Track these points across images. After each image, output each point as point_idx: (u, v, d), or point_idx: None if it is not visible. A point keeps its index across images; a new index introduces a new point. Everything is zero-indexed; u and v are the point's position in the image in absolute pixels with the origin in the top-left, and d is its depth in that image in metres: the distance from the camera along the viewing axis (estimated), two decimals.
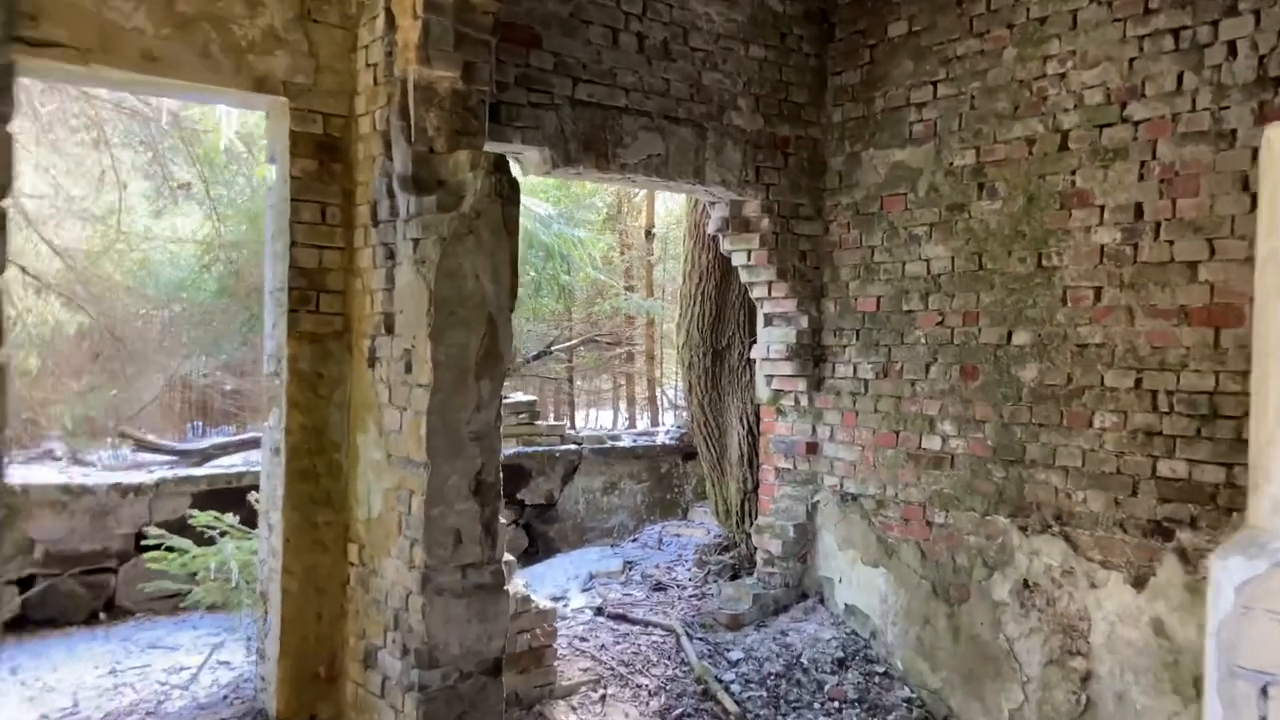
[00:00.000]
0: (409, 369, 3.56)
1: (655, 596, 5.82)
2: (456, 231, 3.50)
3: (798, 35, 5.27)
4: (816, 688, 4.69)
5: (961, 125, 4.70)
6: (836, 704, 4.58)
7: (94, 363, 8.15)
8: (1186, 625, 3.78)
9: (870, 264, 5.14)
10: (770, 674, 4.74)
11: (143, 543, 4.89)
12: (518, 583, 4.40)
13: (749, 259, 5.35)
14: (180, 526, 4.89)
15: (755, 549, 5.59)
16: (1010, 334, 4.47)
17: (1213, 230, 3.77)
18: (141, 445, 6.91)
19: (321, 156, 3.88)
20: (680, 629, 5.10)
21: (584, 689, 4.52)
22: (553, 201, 9.15)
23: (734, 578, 5.89)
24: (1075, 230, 4.23)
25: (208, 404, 11.15)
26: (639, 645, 5.01)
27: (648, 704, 4.46)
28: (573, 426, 10.69)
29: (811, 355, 5.36)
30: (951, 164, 4.73)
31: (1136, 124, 4.02)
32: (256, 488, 4.22)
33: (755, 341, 5.67)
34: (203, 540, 4.71)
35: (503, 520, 3.71)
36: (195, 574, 4.47)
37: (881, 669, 4.89)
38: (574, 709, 4.37)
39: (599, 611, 5.49)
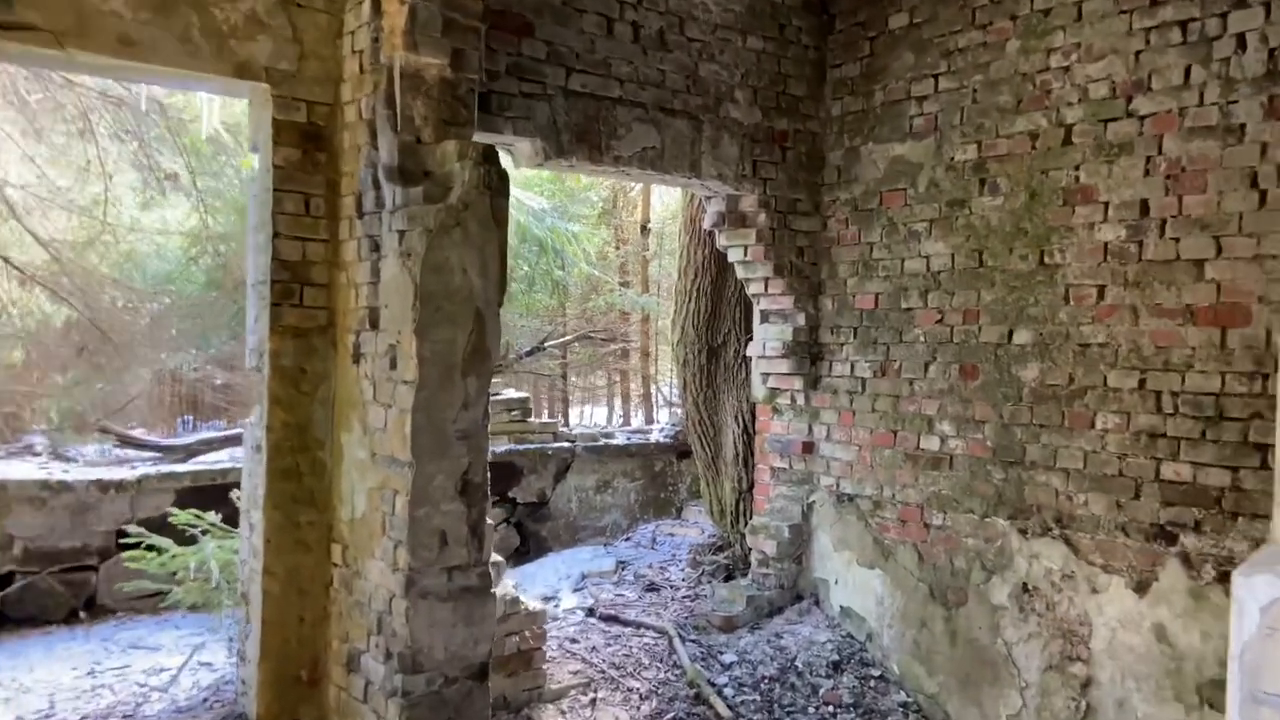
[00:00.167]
0: (394, 365, 3.46)
1: (648, 597, 5.73)
2: (443, 224, 3.39)
3: (796, 26, 5.17)
4: (811, 692, 4.60)
5: (963, 119, 4.60)
6: (831, 708, 4.49)
7: (79, 356, 8.02)
8: (1190, 632, 3.70)
9: (869, 261, 5.04)
10: (764, 677, 4.65)
11: (121, 541, 4.77)
12: (507, 584, 4.31)
13: (745, 255, 5.25)
14: (163, 524, 4.78)
15: (750, 549, 5.50)
16: (1011, 333, 4.37)
17: (1220, 228, 3.68)
18: (124, 440, 6.79)
19: (305, 146, 3.77)
20: (673, 631, 5.01)
21: (574, 692, 4.42)
22: (547, 195, 9.04)
23: (728, 578, 5.80)
24: (1078, 227, 4.13)
25: (198, 398, 11.03)
26: (631, 647, 4.92)
27: (639, 708, 4.37)
28: (566, 424, 10.60)
29: (808, 353, 5.26)
30: (952, 159, 4.64)
31: (1142, 118, 3.93)
32: (240, 485, 4.12)
33: (751, 339, 5.57)
34: (184, 539, 4.60)
35: (490, 521, 3.61)
36: (175, 574, 4.36)
37: (877, 673, 4.80)
38: (563, 713, 4.28)
39: (590, 612, 5.40)
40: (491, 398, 7.13)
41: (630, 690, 4.49)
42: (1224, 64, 3.67)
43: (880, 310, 4.97)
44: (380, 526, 3.51)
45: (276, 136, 3.72)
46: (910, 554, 4.76)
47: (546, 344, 10.66)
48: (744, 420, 5.99)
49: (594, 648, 4.89)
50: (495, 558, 4.05)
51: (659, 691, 4.49)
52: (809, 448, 5.31)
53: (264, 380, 3.75)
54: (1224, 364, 3.65)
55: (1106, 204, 4.04)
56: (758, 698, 4.50)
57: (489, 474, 3.62)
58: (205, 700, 4.18)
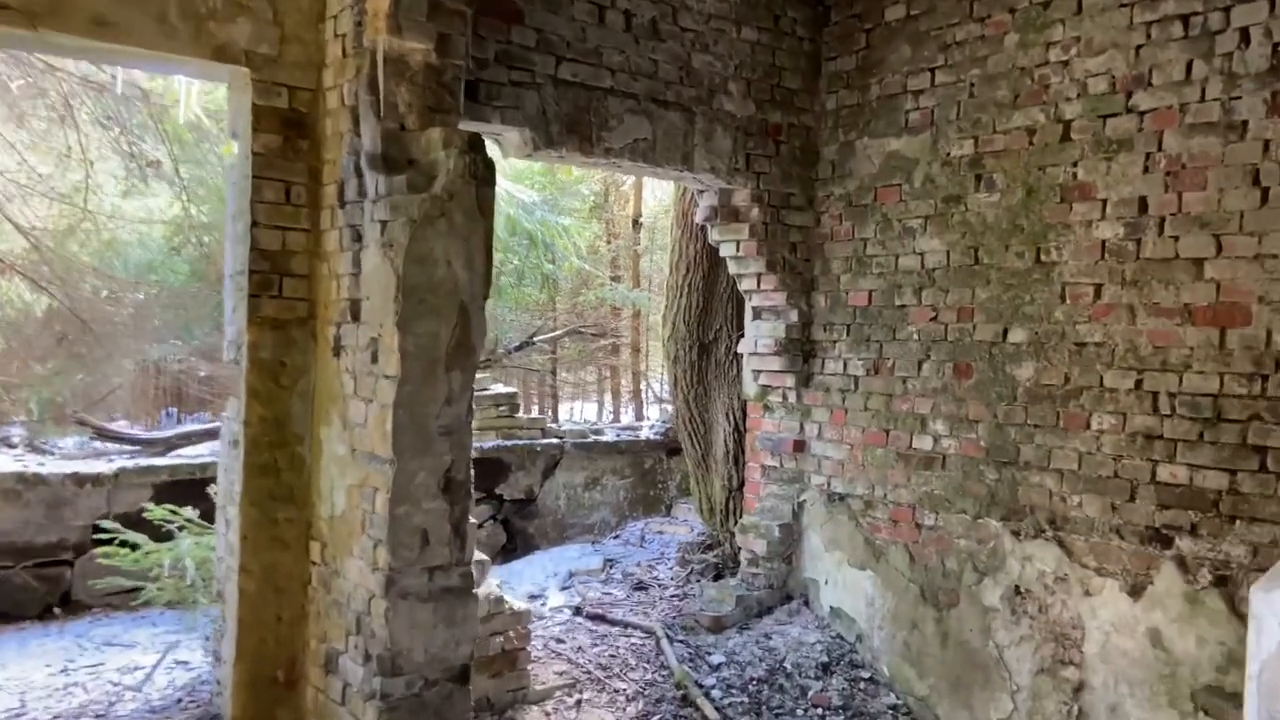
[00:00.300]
0: (375, 359, 3.36)
1: (636, 596, 5.65)
2: (427, 214, 3.29)
3: (791, 18, 5.08)
4: (800, 693, 4.53)
5: (960, 114, 4.52)
6: (820, 711, 4.42)
7: (59, 346, 7.88)
8: (1185, 637, 3.64)
9: (862, 257, 4.96)
10: (752, 679, 4.58)
11: (96, 536, 4.66)
12: (491, 583, 4.22)
13: (738, 250, 5.17)
14: (140, 519, 4.67)
15: (739, 548, 5.43)
16: (1006, 331, 4.30)
17: (1220, 226, 3.62)
18: (101, 433, 6.67)
19: (286, 132, 3.66)
20: (660, 631, 4.93)
21: (559, 693, 4.34)
22: (537, 188, 8.93)
23: (717, 577, 5.72)
24: (1076, 224, 4.06)
25: (182, 391, 10.89)
26: (617, 647, 4.84)
27: (625, 710, 4.29)
28: (555, 420, 10.50)
29: (800, 350, 5.19)
30: (948, 154, 4.56)
31: (1142, 114, 3.86)
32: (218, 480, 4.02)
33: (743, 335, 5.49)
34: (160, 535, 4.50)
35: (473, 520, 3.52)
36: (150, 570, 4.25)
37: (867, 675, 4.73)
38: (547, 715, 4.20)
39: (577, 611, 5.31)
40: (479, 393, 7.08)
41: (616, 691, 4.41)
42: (1226, 59, 3.60)
43: (874, 307, 4.89)
44: (360, 524, 3.41)
45: (256, 122, 3.61)
46: (901, 554, 4.69)
47: (536, 339, 10.56)
48: (735, 418, 5.91)
49: (580, 648, 4.81)
50: (479, 556, 3.97)
51: (645, 693, 4.41)
52: (800, 446, 5.24)
53: (242, 373, 3.65)
54: (1223, 365, 3.59)
55: (1105, 201, 3.97)
56: (746, 699, 4.43)
57: (473, 471, 3.53)
58: (179, 701, 4.08)
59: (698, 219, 5.27)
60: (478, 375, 6.42)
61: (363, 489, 3.40)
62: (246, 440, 3.63)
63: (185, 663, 4.52)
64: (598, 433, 8.16)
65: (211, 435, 6.67)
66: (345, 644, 3.47)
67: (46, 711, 4.04)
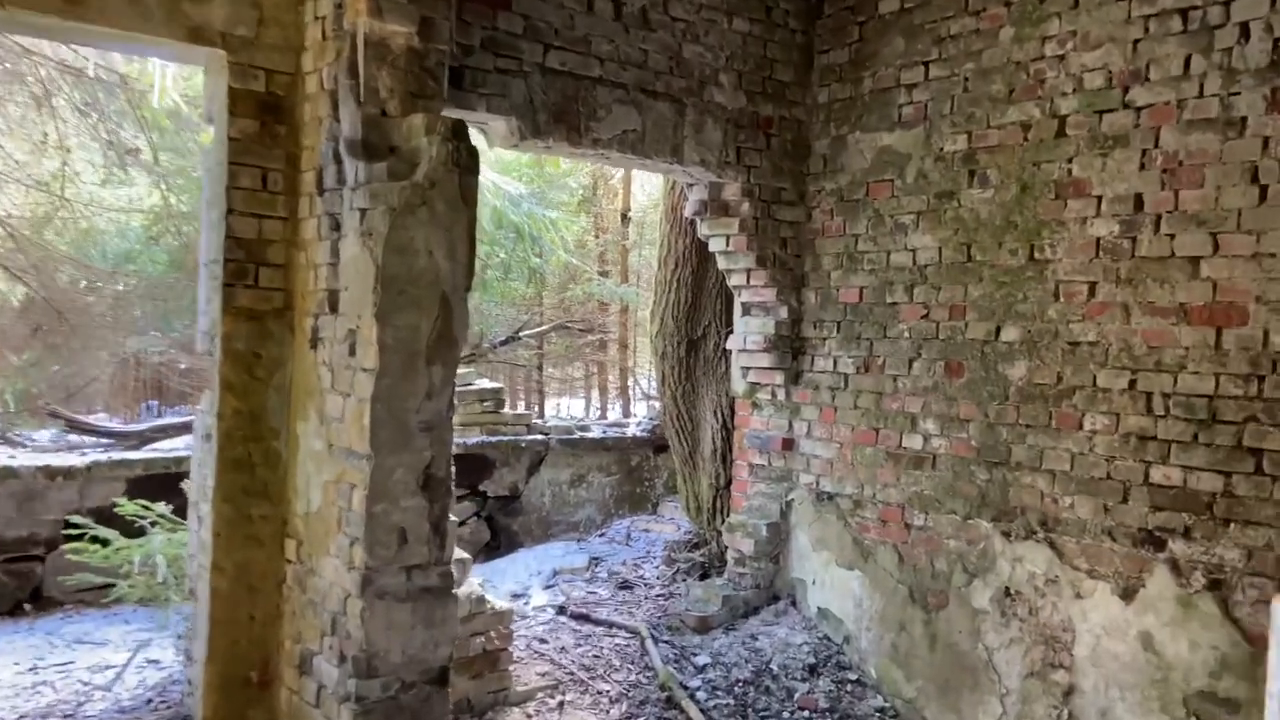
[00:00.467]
0: (353, 351, 3.26)
1: (621, 595, 5.57)
2: (408, 202, 3.20)
3: (783, 9, 5.00)
4: (786, 695, 4.46)
5: (953, 108, 4.45)
6: (807, 713, 4.35)
7: (35, 336, 7.72)
8: (1177, 641, 3.58)
9: (854, 253, 4.89)
10: (738, 681, 4.51)
11: (64, 531, 4.54)
12: (473, 582, 4.13)
13: (727, 245, 5.08)
14: (113, 514, 4.55)
15: (726, 547, 5.35)
16: (998, 329, 4.24)
17: (1217, 224, 3.55)
18: (74, 425, 6.52)
19: (263, 117, 3.55)
20: (646, 631, 4.85)
21: (541, 695, 4.26)
22: (525, 181, 8.82)
23: (703, 576, 5.65)
24: (1070, 221, 4.00)
25: (163, 384, 10.74)
26: (602, 648, 4.76)
27: (608, 712, 4.21)
28: (541, 416, 10.42)
29: (790, 347, 5.11)
30: (942, 149, 4.49)
31: (1139, 110, 3.79)
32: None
33: (732, 331, 5.41)
34: (133, 530, 4.38)
35: (454, 518, 3.42)
36: (120, 567, 4.13)
37: (854, 676, 4.67)
38: (529, 717, 4.11)
39: (561, 611, 5.23)
40: (464, 388, 6.98)
41: (600, 693, 4.33)
42: (1226, 54, 3.54)
43: (864, 304, 4.82)
44: (336, 522, 3.31)
45: (233, 106, 3.50)
46: (890, 555, 4.63)
47: (522, 333, 10.45)
48: (723, 415, 5.84)
49: (564, 648, 4.72)
50: (460, 555, 3.87)
51: (629, 694, 4.33)
52: (789, 444, 5.16)
53: (215, 365, 3.54)
54: (1218, 365, 3.53)
55: (1100, 198, 3.90)
56: (731, 701, 4.36)
57: (455, 468, 3.44)
58: (150, 701, 3.98)
59: (687, 213, 5.19)
60: (462, 370, 6.34)
61: (339, 485, 3.30)
62: (220, 434, 3.52)
63: (157, 661, 4.40)
64: (584, 429, 8.07)
65: (188, 429, 6.53)
66: (320, 645, 3.37)
67: (13, 711, 3.93)
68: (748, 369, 5.29)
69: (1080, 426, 3.92)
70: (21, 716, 3.89)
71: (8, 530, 5.16)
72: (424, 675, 3.27)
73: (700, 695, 4.36)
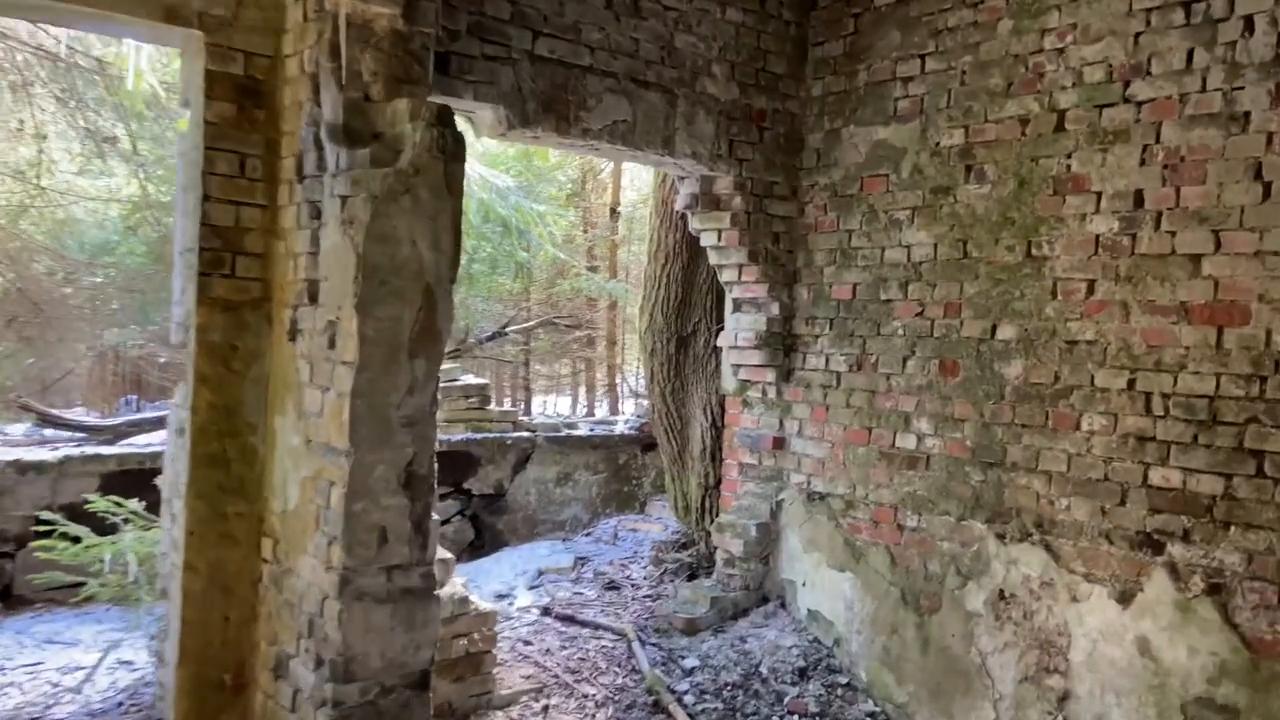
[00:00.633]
0: (332, 344, 3.15)
1: (607, 596, 5.47)
2: (391, 190, 3.09)
3: (777, 0, 4.90)
4: (776, 699, 4.37)
5: (950, 102, 4.37)
6: (796, 717, 4.26)
7: (8, 327, 7.54)
8: (1175, 646, 3.51)
9: (847, 249, 4.80)
10: (727, 684, 4.42)
11: (34, 528, 4.39)
12: (456, 582, 4.02)
13: (719, 239, 4.99)
14: (86, 511, 4.42)
15: (715, 548, 5.26)
16: (994, 328, 4.16)
17: (1219, 221, 3.49)
18: (46, 419, 6.36)
19: (241, 101, 3.43)
20: (632, 633, 4.76)
21: (525, 699, 4.15)
22: (513, 173, 8.69)
23: (691, 577, 5.56)
24: (1069, 218, 3.92)
25: (141, 377, 10.55)
26: (587, 650, 4.66)
27: (594, 716, 4.11)
28: (527, 413, 10.30)
29: (781, 344, 5.02)
30: (938, 144, 4.41)
31: (1140, 104, 3.72)
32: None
33: (722, 328, 5.32)
34: (105, 527, 4.25)
35: (436, 517, 3.31)
36: (91, 565, 4.00)
37: (844, 680, 4.59)
38: None
39: (546, 612, 5.12)
40: (449, 383, 6.86)
41: (585, 697, 4.23)
42: (1229, 48, 3.47)
43: (858, 301, 4.74)
44: (314, 520, 3.20)
45: (209, 89, 3.38)
46: (882, 557, 4.55)
47: (509, 329, 10.33)
48: (713, 413, 5.74)
49: (548, 650, 4.62)
50: (443, 555, 3.77)
51: (616, 698, 4.23)
52: (780, 443, 5.07)
53: (190, 357, 3.42)
54: (1219, 365, 3.46)
55: (1099, 194, 3.83)
56: (720, 706, 4.27)
57: (438, 465, 3.33)
58: (120, 704, 3.85)
59: (678, 206, 5.09)
60: (447, 365, 6.22)
61: (317, 482, 3.19)
62: (194, 429, 3.40)
63: (129, 663, 4.27)
64: (571, 427, 7.96)
65: (164, 423, 6.39)
66: (297, 647, 3.26)
67: None
68: (738, 366, 5.20)
69: (1078, 427, 3.84)
70: None
71: None
72: (404, 679, 3.16)
73: (688, 699, 4.27)
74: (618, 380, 13.21)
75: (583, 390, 14.75)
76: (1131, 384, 3.70)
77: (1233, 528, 3.39)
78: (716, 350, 5.53)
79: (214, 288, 3.42)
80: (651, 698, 4.24)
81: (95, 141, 6.89)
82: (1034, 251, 4.03)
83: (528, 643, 4.68)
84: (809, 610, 4.86)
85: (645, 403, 8.13)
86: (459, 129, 3.26)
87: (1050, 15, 4.01)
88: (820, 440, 4.87)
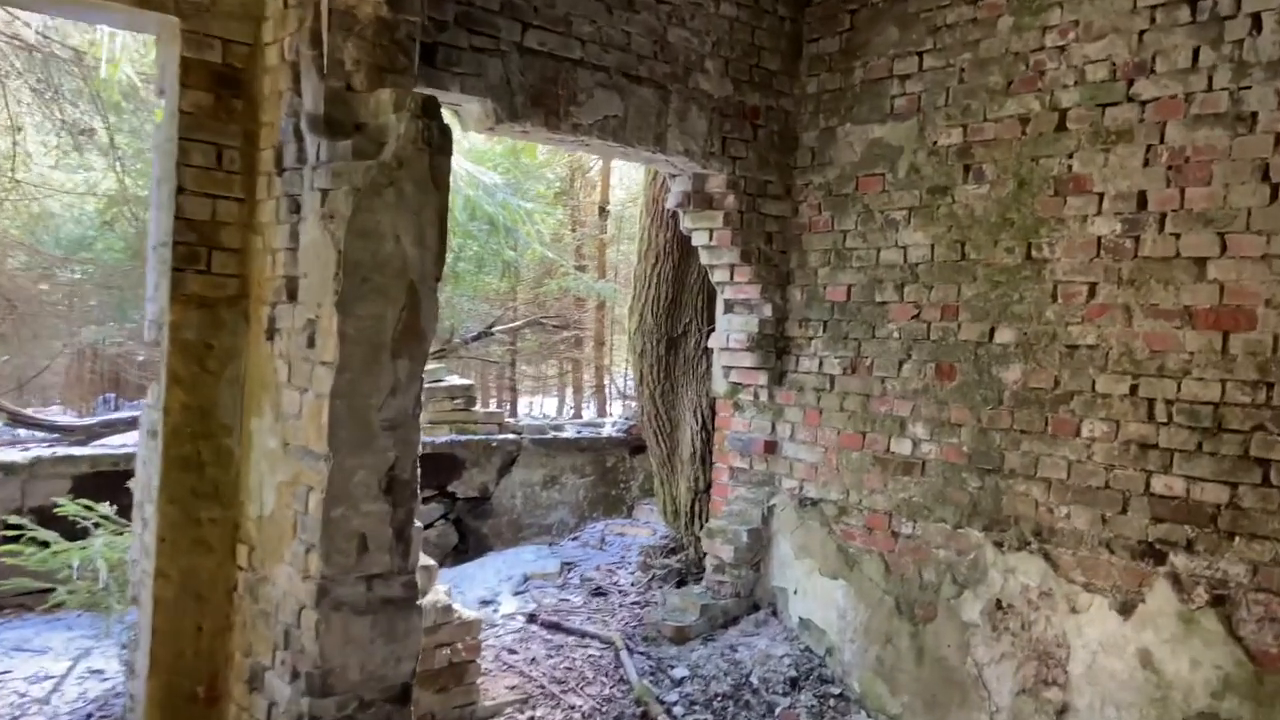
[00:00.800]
0: (312, 343, 3.02)
1: (594, 602, 5.36)
2: (374, 183, 2.96)
3: None
4: (767, 710, 4.27)
5: (948, 100, 4.28)
6: None
7: None
8: (1178, 658, 3.43)
9: (842, 250, 4.71)
10: (717, 694, 4.31)
11: (2, 532, 4.23)
12: (439, 589, 3.89)
13: (711, 239, 4.89)
14: (56, 514, 4.26)
15: (704, 553, 5.16)
16: (993, 331, 4.07)
17: (1225, 224, 3.41)
18: (17, 419, 6.19)
19: (219, 90, 3.30)
20: (620, 642, 4.64)
21: (510, 710, 4.04)
22: (500, 170, 8.55)
23: (680, 583, 5.45)
24: (1070, 219, 3.84)
25: (120, 376, 10.35)
26: (574, 659, 4.55)
27: None
28: (513, 414, 10.17)
29: (774, 346, 4.92)
30: (935, 143, 4.32)
31: (1144, 103, 3.64)
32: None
33: (714, 329, 5.21)
34: (76, 531, 4.10)
35: (419, 524, 3.19)
36: (59, 571, 3.85)
37: (837, 690, 4.49)
38: None
39: (532, 619, 5.01)
40: (433, 384, 6.71)
41: (572, 708, 4.11)
42: (1236, 46, 3.39)
43: (852, 303, 4.64)
44: (291, 527, 3.07)
45: (185, 78, 3.25)
46: (876, 564, 4.45)
47: (495, 329, 10.19)
48: (703, 416, 5.64)
49: (534, 659, 4.50)
50: (426, 561, 3.65)
51: (603, 709, 4.12)
52: (771, 447, 4.97)
53: (163, 355, 3.29)
54: (1225, 371, 3.38)
55: (1101, 195, 3.75)
56: (710, 717, 4.16)
57: (421, 468, 3.21)
58: (90, 715, 3.71)
59: (669, 205, 4.98)
60: (431, 365, 6.08)
61: (295, 487, 3.06)
62: (166, 430, 3.27)
63: (100, 672, 4.13)
64: (558, 429, 7.84)
65: (137, 424, 6.22)
66: (272, 659, 3.13)
67: None
68: (730, 368, 5.09)
69: (1078, 433, 3.76)
70: None
71: None
72: (384, 693, 3.04)
73: (677, 710, 4.16)
74: (605, 381, 13.09)
75: (569, 391, 14.63)
76: (1134, 390, 3.62)
77: (1237, 538, 3.31)
78: (707, 352, 5.43)
79: (189, 284, 3.28)
80: (640, 709, 4.13)
81: (72, 134, 6.72)
82: (1034, 253, 3.95)
83: (513, 651, 4.57)
84: (801, 618, 4.76)
85: (634, 404, 8.02)
86: (445, 121, 3.14)
87: (1052, 12, 3.93)
88: (813, 445, 4.77)
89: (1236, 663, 3.29)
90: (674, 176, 4.87)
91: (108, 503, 4.13)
